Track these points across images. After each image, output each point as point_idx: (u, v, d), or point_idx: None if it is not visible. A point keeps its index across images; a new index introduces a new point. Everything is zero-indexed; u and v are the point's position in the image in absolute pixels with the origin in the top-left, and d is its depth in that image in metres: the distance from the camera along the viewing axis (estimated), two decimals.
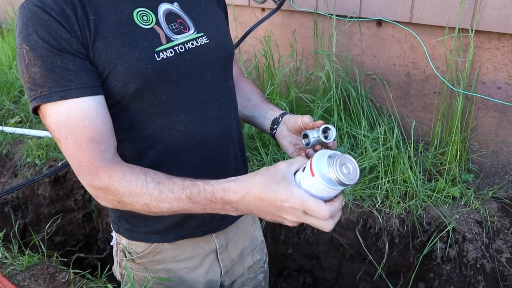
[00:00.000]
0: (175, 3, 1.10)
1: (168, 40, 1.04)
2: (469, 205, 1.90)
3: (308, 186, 0.79)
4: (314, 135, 1.03)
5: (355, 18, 2.27)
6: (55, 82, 0.92)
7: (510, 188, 2.01)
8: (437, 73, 2.08)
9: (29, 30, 0.92)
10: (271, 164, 2.32)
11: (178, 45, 1.05)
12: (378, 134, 2.12)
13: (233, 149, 1.20)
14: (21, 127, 2.96)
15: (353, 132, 2.24)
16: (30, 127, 2.95)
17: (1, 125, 2.99)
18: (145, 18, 1.03)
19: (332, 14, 2.30)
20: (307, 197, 0.78)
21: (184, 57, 1.06)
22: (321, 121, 1.03)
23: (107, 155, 0.95)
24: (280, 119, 1.18)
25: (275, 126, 1.18)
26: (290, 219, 0.81)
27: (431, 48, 2.10)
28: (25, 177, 2.49)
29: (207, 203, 0.86)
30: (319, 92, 2.38)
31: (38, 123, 2.97)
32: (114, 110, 1.01)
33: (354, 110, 2.29)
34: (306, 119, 1.08)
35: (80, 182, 0.98)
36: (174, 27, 1.06)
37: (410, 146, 2.04)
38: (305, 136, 1.05)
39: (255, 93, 1.31)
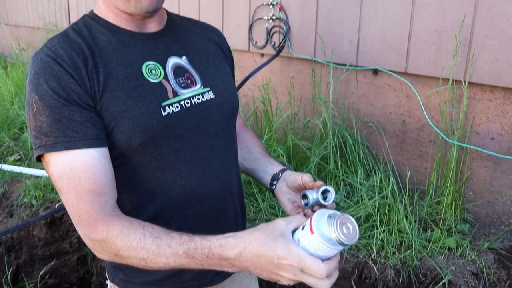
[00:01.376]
0: (184, 57, 1.12)
1: (175, 94, 1.06)
2: (465, 256, 1.89)
3: (306, 244, 0.80)
4: (313, 196, 1.03)
5: (352, 66, 2.33)
6: (61, 132, 0.94)
7: (506, 239, 2.01)
8: (431, 124, 2.12)
9: (40, 80, 0.94)
10: (268, 211, 2.29)
11: (184, 99, 1.07)
12: (374, 182, 2.13)
13: (233, 203, 1.21)
14: (20, 165, 2.97)
15: (349, 180, 2.25)
16: (29, 166, 2.96)
17: (0, 163, 3.00)
18: (153, 72, 1.05)
19: (329, 62, 2.36)
20: (305, 255, 0.78)
21: (189, 112, 1.07)
22: (321, 182, 1.04)
23: (106, 208, 0.96)
24: (280, 175, 1.18)
25: (275, 182, 1.18)
26: (287, 277, 0.81)
27: (426, 98, 2.15)
28: (21, 217, 2.48)
29: (204, 259, 0.86)
30: (316, 139, 2.41)
31: (37, 162, 2.97)
32: (117, 162, 1.02)
33: (350, 157, 2.31)
34: (306, 178, 1.08)
35: None
36: (181, 81, 1.08)
37: (405, 195, 2.05)
38: (304, 196, 1.05)
39: (256, 145, 1.32)
